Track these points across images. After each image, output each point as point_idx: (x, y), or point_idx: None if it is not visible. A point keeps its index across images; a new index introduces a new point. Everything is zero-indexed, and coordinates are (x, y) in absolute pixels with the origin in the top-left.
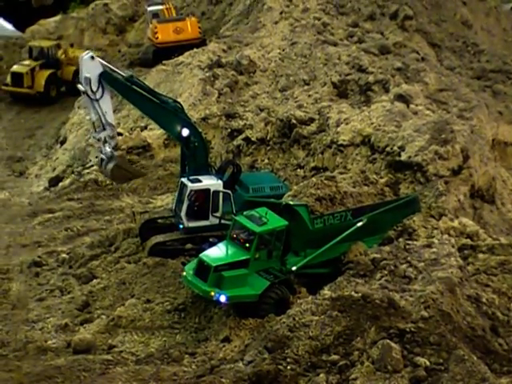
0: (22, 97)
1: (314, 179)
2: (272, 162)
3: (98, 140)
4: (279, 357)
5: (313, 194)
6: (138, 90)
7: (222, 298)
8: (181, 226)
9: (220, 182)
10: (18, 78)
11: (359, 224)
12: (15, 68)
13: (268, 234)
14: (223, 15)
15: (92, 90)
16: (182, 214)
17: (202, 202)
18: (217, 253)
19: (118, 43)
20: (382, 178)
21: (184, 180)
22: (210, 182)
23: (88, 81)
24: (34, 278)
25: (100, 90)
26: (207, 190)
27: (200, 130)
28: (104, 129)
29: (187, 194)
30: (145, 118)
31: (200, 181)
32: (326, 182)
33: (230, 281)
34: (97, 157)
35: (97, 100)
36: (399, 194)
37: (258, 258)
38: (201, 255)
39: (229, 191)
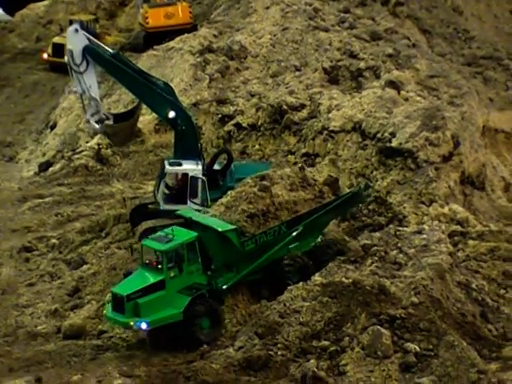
0: (61, 67)
1: (248, 188)
2: (263, 147)
3: (88, 122)
4: (270, 343)
5: (245, 210)
6: (125, 68)
7: (143, 326)
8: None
9: (199, 167)
10: (58, 48)
11: (294, 234)
12: (56, 39)
13: (176, 249)
14: (214, 0)
15: (75, 63)
16: (158, 195)
17: (181, 186)
18: (129, 282)
19: (109, 28)
20: (320, 177)
21: (165, 162)
22: (189, 167)
23: (71, 53)
24: (24, 264)
25: (84, 63)
26: (185, 175)
27: (190, 115)
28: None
29: (163, 176)
30: (135, 102)
31: (180, 164)
32: (259, 193)
33: (147, 306)
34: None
35: (80, 73)
36: (339, 192)
37: (175, 277)
38: (112, 288)
39: (204, 178)
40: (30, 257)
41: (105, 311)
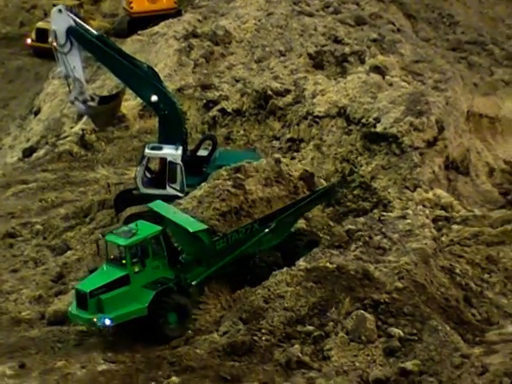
0: (45, 52)
1: (222, 182)
2: (248, 133)
3: (72, 103)
4: (254, 328)
5: (217, 208)
6: (109, 50)
7: (107, 322)
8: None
9: (178, 152)
10: (42, 33)
11: (267, 230)
12: (40, 24)
13: (139, 244)
14: None
15: (59, 44)
16: (137, 179)
17: (161, 171)
18: (93, 278)
19: (93, 13)
20: (296, 170)
21: (147, 146)
22: (168, 152)
23: (55, 34)
24: (8, 249)
25: (68, 44)
26: (164, 159)
27: (174, 100)
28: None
29: (141, 160)
30: (119, 88)
31: (160, 149)
32: (233, 190)
33: (110, 302)
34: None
35: (64, 54)
36: (314, 187)
37: (140, 272)
38: (76, 285)
39: (181, 164)
40: (13, 243)
41: (69, 309)
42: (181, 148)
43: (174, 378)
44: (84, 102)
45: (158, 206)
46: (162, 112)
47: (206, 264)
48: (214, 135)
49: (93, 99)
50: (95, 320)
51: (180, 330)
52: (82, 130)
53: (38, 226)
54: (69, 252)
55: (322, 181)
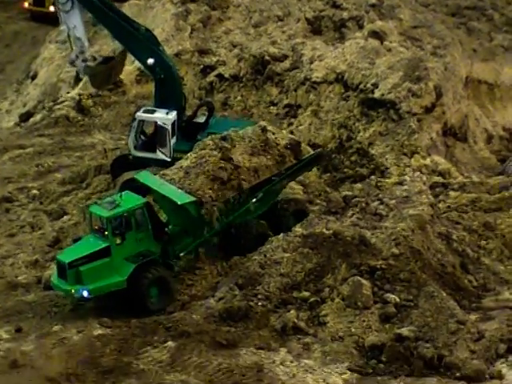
0: (42, 16)
1: (208, 152)
2: (245, 99)
3: (72, 63)
4: (250, 293)
5: (204, 179)
6: (108, 11)
7: (85, 294)
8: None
9: (169, 116)
10: None
11: (254, 200)
12: None
13: (121, 216)
14: None
15: (61, 2)
16: (129, 141)
17: (152, 135)
18: (74, 249)
19: None
20: (282, 139)
21: (140, 109)
22: (158, 115)
23: None
24: (5, 214)
25: (69, 3)
26: (154, 123)
27: (171, 64)
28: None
29: (132, 122)
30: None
31: (152, 112)
32: (220, 162)
33: (89, 274)
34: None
35: (65, 12)
36: (300, 156)
37: (122, 244)
38: (57, 255)
39: (169, 128)
40: (10, 207)
41: (52, 278)
42: (174, 113)
43: (169, 343)
44: (84, 61)
45: (145, 177)
46: (158, 76)
47: (193, 235)
48: (211, 101)
49: (95, 59)
50: (73, 291)
51: (161, 303)
52: (79, 94)
53: (35, 191)
54: (65, 217)
55: (309, 148)
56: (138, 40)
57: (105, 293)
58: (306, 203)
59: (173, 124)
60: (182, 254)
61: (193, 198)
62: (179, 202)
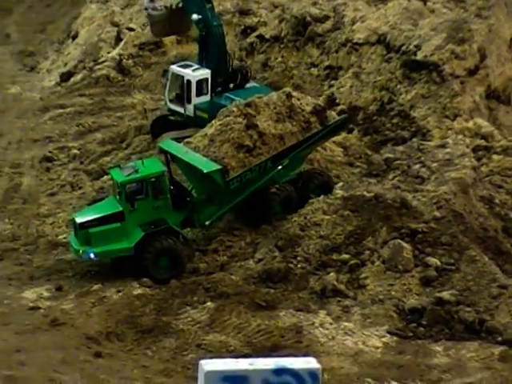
0: None
1: (233, 119)
2: (285, 60)
3: (145, 9)
4: (290, 255)
5: (229, 147)
6: None
7: (91, 255)
8: None
9: (196, 73)
10: None
11: (280, 167)
12: None
13: (136, 182)
14: None
15: None
16: (165, 92)
17: (182, 89)
18: (91, 210)
19: None
20: (307, 104)
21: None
22: (186, 71)
23: None
24: (45, 173)
25: None
26: (182, 77)
27: (214, 23)
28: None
29: (163, 74)
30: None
31: (186, 67)
32: (245, 128)
33: (98, 236)
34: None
35: None
36: (326, 122)
37: (136, 210)
38: (74, 214)
39: (193, 84)
40: (50, 166)
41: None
42: (203, 71)
43: (208, 304)
44: (153, 9)
45: (169, 145)
46: (201, 32)
47: (218, 203)
48: (246, 66)
49: (166, 8)
50: (81, 252)
51: (168, 273)
52: (120, 54)
53: (75, 151)
54: (105, 177)
55: (334, 114)
56: None
57: (112, 257)
58: (330, 177)
59: (200, 81)
60: (207, 223)
61: (218, 166)
62: (205, 170)
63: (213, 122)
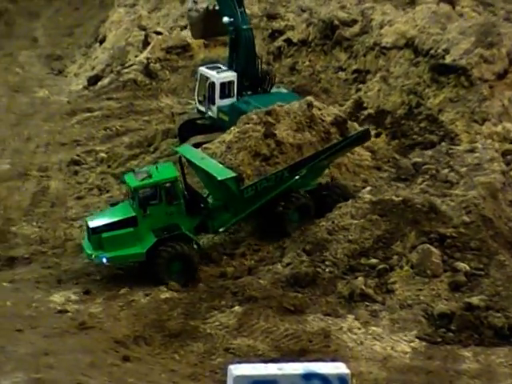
0: None
1: (252, 126)
2: (313, 64)
3: (189, 10)
4: (318, 259)
5: (246, 154)
6: None
7: (104, 260)
8: None
9: (219, 75)
10: None
11: (297, 177)
12: None
13: (149, 187)
14: None
15: None
16: (195, 94)
17: (208, 90)
18: (105, 214)
19: None
20: (328, 115)
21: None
22: (212, 72)
23: None
24: (73, 177)
25: None
26: (208, 79)
27: (244, 27)
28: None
29: (194, 74)
30: (185, 17)
31: (213, 69)
32: (263, 137)
33: (110, 241)
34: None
35: None
36: (346, 133)
37: (150, 215)
38: (87, 218)
39: (216, 86)
40: (78, 170)
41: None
42: (228, 73)
43: (236, 308)
44: (196, 11)
45: (186, 150)
46: (230, 35)
47: (233, 210)
48: (271, 70)
49: (204, 10)
50: (93, 256)
51: (182, 279)
52: (147, 58)
53: (103, 154)
54: None
55: (356, 125)
56: None
57: (124, 262)
58: (351, 189)
59: (224, 84)
60: (221, 230)
61: (233, 174)
62: (219, 178)
63: (232, 128)
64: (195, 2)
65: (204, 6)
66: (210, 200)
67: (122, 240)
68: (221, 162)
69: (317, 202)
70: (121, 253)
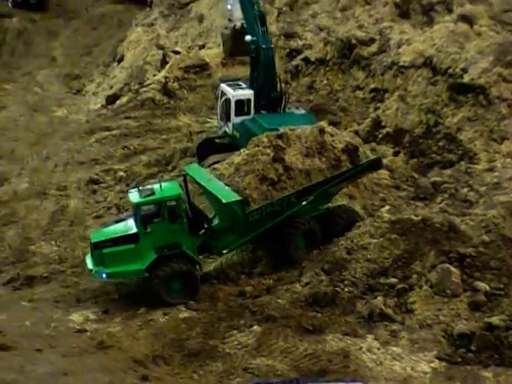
0: None
1: (262, 150)
2: (331, 82)
3: (225, 28)
4: (336, 279)
5: (254, 178)
6: None
7: (103, 276)
8: None
9: (235, 93)
10: None
11: (304, 203)
12: None
13: (152, 204)
14: None
15: None
16: (217, 109)
17: (225, 107)
18: (109, 230)
19: None
20: (340, 142)
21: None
22: (230, 90)
23: None
24: (92, 195)
25: None
26: (225, 95)
27: (265, 46)
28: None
29: (215, 90)
30: (203, 36)
31: (231, 86)
32: (272, 161)
33: (110, 257)
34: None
35: None
36: (357, 161)
37: (152, 232)
38: (91, 232)
39: (231, 103)
40: (97, 189)
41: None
42: (244, 91)
43: (255, 327)
44: (228, 29)
45: (194, 170)
46: (251, 53)
47: (238, 233)
48: (285, 91)
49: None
50: (94, 272)
51: (183, 297)
52: (165, 77)
53: (121, 173)
54: None
55: (368, 152)
56: (248, 15)
57: (124, 278)
58: (358, 214)
59: (240, 101)
60: (224, 252)
61: (238, 197)
62: (224, 201)
63: (242, 150)
64: (230, 21)
65: (238, 24)
66: (215, 220)
67: (122, 256)
68: (227, 184)
69: (324, 227)
70: (120, 269)
